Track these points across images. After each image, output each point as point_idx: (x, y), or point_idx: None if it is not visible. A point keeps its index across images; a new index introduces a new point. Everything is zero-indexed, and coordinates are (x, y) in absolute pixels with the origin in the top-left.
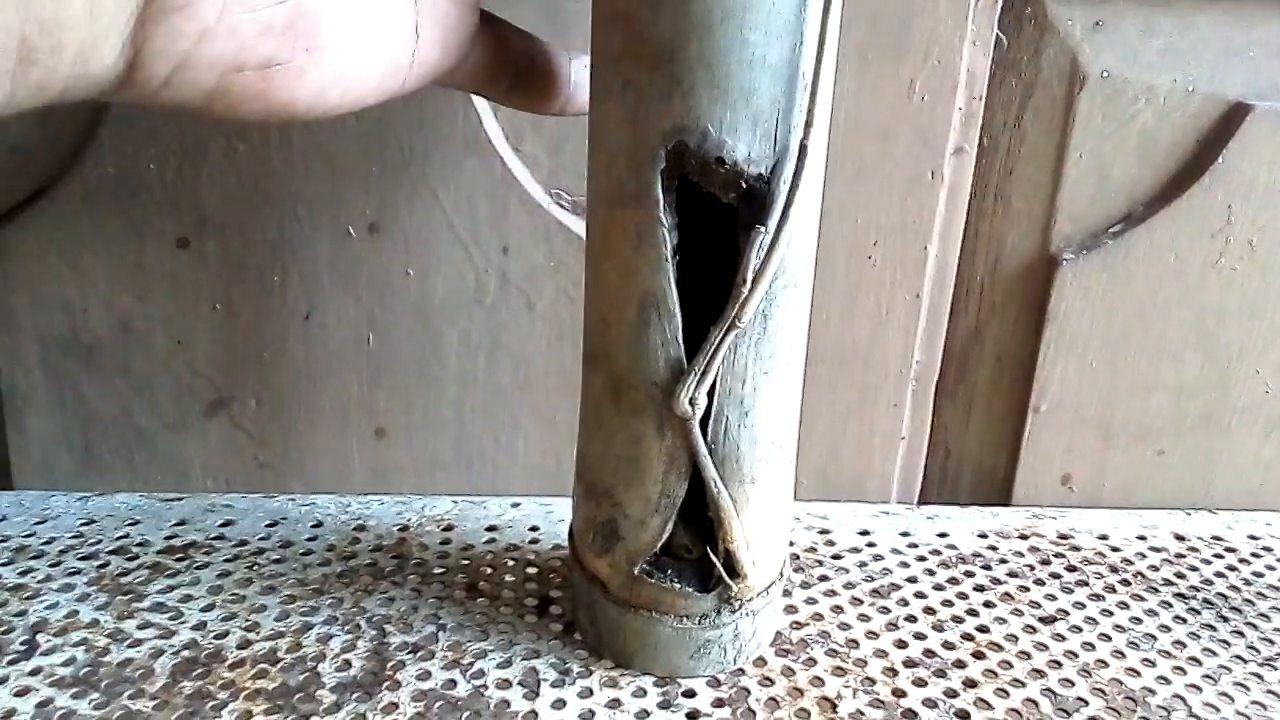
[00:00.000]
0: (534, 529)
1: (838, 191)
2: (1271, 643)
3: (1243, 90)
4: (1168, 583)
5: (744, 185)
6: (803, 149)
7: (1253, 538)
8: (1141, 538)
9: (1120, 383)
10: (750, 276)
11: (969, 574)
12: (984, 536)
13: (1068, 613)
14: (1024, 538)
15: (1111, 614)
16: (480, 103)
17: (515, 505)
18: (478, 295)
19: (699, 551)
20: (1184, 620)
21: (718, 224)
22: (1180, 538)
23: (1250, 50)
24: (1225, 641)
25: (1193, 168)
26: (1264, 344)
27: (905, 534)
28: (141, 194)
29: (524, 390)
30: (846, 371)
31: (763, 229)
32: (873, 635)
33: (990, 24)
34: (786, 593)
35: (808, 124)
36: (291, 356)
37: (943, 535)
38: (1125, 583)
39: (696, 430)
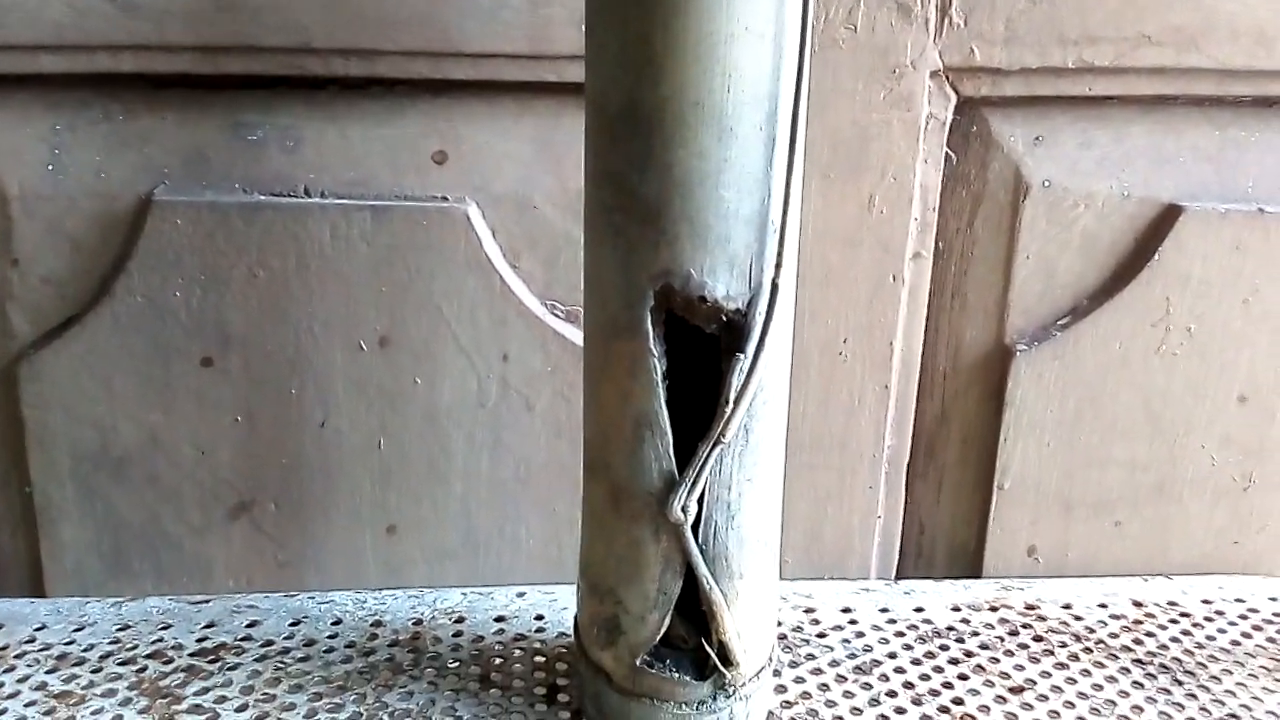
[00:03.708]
0: (539, 617)
1: (810, 295)
2: (1222, 704)
3: (1175, 193)
4: (1126, 649)
5: (724, 318)
6: (774, 287)
7: (1206, 601)
8: (1102, 605)
9: (1076, 460)
10: (732, 397)
11: (944, 647)
12: (957, 610)
13: (1035, 682)
14: (994, 609)
15: (1075, 681)
16: (480, 225)
17: (521, 595)
18: (481, 399)
19: (694, 642)
20: (1141, 685)
21: (702, 350)
22: (1138, 604)
23: (1180, 156)
24: (1179, 704)
25: (1132, 265)
26: (1207, 420)
27: (884, 610)
28: (168, 319)
29: (525, 484)
30: (824, 457)
31: (741, 355)
32: (857, 711)
33: (940, 143)
34: (776, 673)
35: (778, 265)
36: (308, 462)
37: (919, 610)
38: (1088, 650)
39: (689, 534)
